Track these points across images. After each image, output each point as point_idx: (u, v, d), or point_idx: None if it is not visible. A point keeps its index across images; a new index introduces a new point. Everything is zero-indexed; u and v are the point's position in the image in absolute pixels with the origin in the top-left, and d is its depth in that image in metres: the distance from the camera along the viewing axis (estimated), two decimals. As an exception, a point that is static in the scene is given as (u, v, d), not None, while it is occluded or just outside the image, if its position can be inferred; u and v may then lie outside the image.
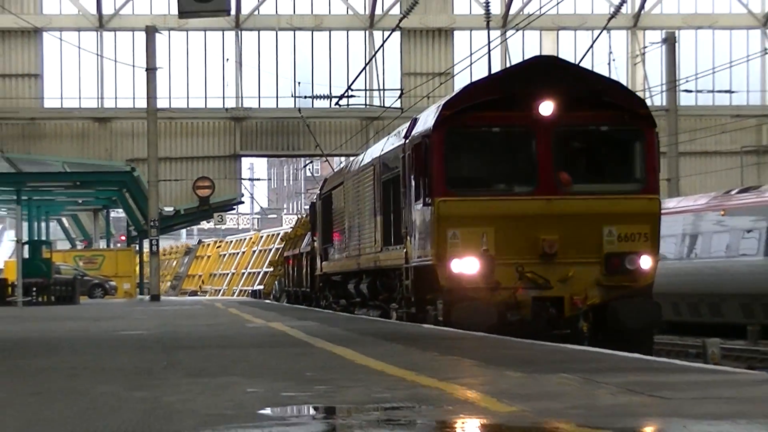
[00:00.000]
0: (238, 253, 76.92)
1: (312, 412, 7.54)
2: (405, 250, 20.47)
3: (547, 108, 18.66)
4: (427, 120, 19.61)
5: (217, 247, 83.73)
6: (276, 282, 52.88)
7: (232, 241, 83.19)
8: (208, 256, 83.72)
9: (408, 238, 20.25)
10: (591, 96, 18.96)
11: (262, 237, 73.84)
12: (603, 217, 18.63)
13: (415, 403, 7.55)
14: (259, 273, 67.00)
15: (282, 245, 54.05)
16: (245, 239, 79.55)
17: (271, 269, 59.04)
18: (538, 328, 17.84)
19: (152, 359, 12.26)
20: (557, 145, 18.95)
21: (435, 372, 9.66)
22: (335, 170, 35.25)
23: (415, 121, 20.69)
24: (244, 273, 72.06)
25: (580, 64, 28.69)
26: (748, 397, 7.92)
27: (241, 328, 19.61)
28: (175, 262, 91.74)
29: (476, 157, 19.55)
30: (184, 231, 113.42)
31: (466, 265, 18.34)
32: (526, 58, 40.88)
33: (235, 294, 68.35)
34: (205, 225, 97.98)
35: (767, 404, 7.45)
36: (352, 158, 32.11)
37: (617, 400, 7.58)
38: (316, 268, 34.52)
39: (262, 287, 61.00)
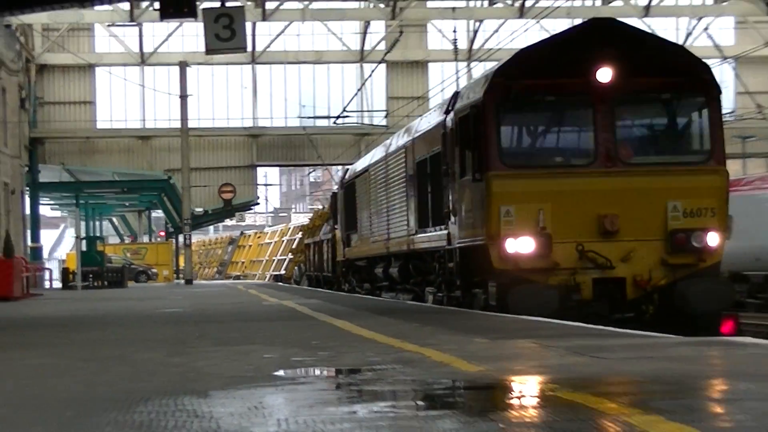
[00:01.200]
0: (272, 243, 75.21)
1: (317, 373, 7.53)
2: (447, 231, 16.40)
3: (605, 74, 14.48)
4: (475, 90, 15.43)
5: (258, 237, 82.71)
6: (296, 267, 52.18)
7: (268, 232, 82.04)
8: (250, 246, 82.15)
9: (452, 217, 16.09)
10: (653, 61, 14.67)
11: (290, 228, 73.25)
12: (667, 191, 14.43)
13: (400, 365, 7.53)
14: (285, 260, 66.07)
15: (301, 235, 53.41)
16: (278, 230, 78.28)
17: (292, 256, 58.43)
18: (599, 311, 14.09)
19: (186, 331, 12.21)
20: (617, 114, 14.69)
21: (417, 339, 9.63)
22: (355, 161, 30.47)
23: (457, 95, 16.43)
24: (274, 260, 71.34)
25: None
26: (666, 356, 7.93)
27: (258, 306, 19.44)
28: (220, 251, 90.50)
29: (530, 128, 15.18)
30: (211, 227, 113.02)
31: (522, 245, 14.16)
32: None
33: (267, 278, 67.66)
34: (228, 222, 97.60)
35: (680, 361, 7.46)
36: (373, 148, 27.49)
37: (564, 361, 7.58)
38: (338, 254, 29.74)
39: (284, 272, 60.30)
